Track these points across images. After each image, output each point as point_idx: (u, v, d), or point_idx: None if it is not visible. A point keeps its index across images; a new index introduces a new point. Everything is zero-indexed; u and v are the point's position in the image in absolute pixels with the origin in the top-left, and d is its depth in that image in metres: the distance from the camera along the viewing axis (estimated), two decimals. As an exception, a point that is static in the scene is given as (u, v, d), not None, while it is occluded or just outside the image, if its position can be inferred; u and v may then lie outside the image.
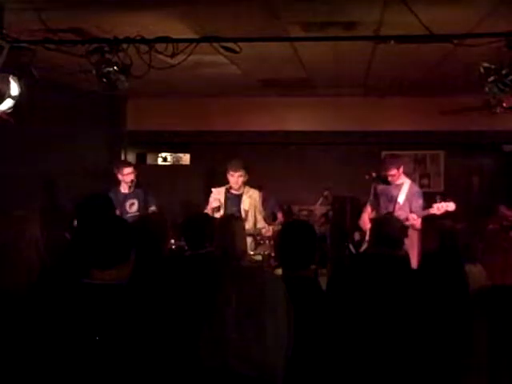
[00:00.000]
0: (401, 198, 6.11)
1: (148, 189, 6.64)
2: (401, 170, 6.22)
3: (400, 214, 5.85)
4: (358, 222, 6.53)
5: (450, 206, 5.80)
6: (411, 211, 6.03)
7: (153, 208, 6.31)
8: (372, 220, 5.94)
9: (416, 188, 6.30)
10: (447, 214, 5.79)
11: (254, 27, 4.59)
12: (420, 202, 6.09)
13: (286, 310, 1.61)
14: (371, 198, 6.47)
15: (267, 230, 5.98)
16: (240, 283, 1.62)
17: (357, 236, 6.43)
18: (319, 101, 8.75)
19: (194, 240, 3.64)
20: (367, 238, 6.12)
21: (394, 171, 6.17)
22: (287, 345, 1.59)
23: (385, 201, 6.26)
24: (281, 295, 1.62)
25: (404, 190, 6.16)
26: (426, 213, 5.91)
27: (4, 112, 4.13)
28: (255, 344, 1.52)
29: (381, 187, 6.36)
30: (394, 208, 6.07)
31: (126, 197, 6.38)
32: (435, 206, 5.85)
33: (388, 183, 6.27)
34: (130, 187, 6.40)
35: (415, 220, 5.87)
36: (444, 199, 5.91)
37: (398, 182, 6.22)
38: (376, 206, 6.36)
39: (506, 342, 2.33)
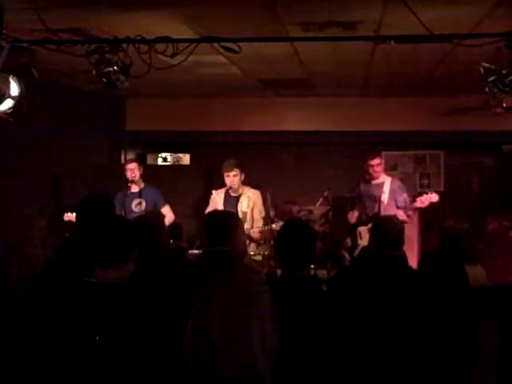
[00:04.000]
0: (384, 197, 6.06)
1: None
2: (382, 164, 6.20)
3: (386, 213, 5.83)
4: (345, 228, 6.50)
5: (434, 198, 5.77)
6: (398, 207, 6.00)
7: (165, 208, 6.26)
8: (366, 220, 5.95)
9: (397, 183, 6.27)
10: (432, 205, 5.78)
11: (254, 27, 4.60)
12: (404, 195, 6.07)
13: (271, 311, 1.60)
14: (358, 202, 6.44)
15: (254, 232, 5.92)
16: (223, 286, 1.60)
17: (348, 242, 6.37)
18: (319, 101, 8.74)
19: (214, 236, 3.58)
20: (359, 242, 6.11)
21: (377, 160, 6.12)
22: (273, 346, 1.58)
23: (369, 202, 6.21)
24: (266, 297, 1.61)
25: (386, 188, 6.11)
26: (411, 208, 5.89)
27: (4, 112, 4.12)
28: (241, 346, 1.51)
29: (362, 187, 6.33)
30: (380, 208, 6.03)
31: (132, 196, 6.35)
32: (418, 199, 5.81)
33: (369, 180, 6.22)
34: (132, 184, 6.36)
35: (403, 216, 5.85)
36: (427, 192, 5.91)
37: (379, 180, 6.18)
38: (361, 207, 6.32)
39: None
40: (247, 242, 5.84)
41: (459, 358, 2.52)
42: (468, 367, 2.43)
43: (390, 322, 3.05)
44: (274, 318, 1.60)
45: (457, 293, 2.91)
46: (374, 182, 6.21)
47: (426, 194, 5.85)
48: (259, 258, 5.57)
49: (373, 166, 6.12)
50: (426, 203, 5.76)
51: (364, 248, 5.49)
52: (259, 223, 6.01)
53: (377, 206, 6.08)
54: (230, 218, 3.78)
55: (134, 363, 2.16)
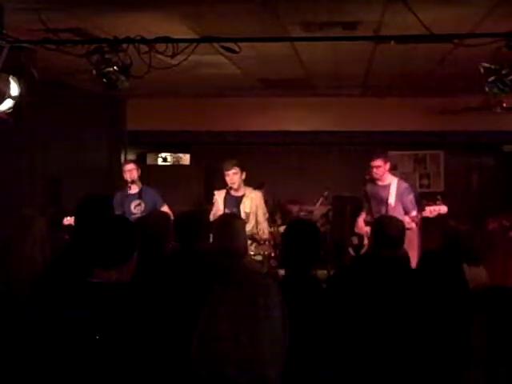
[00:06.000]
0: (391, 199, 6.00)
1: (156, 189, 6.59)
2: (387, 166, 6.07)
3: (394, 215, 5.79)
4: (353, 228, 6.46)
5: (442, 209, 5.71)
6: (404, 210, 5.97)
7: (164, 208, 6.24)
8: (372, 221, 5.91)
9: (404, 184, 6.17)
10: (440, 216, 5.75)
11: (254, 27, 4.60)
12: (411, 197, 5.99)
13: (281, 315, 1.58)
14: (364, 201, 6.39)
15: (263, 232, 5.94)
16: (234, 288, 1.59)
17: (355, 240, 6.34)
18: (319, 101, 8.75)
19: (186, 236, 3.60)
20: (365, 241, 6.09)
21: (379, 162, 6.01)
22: (283, 351, 1.56)
23: (376, 203, 6.12)
24: (276, 300, 1.60)
25: (392, 189, 6.03)
26: (419, 216, 5.85)
27: (4, 112, 4.12)
28: (251, 352, 1.50)
29: (369, 189, 6.22)
30: (387, 210, 5.95)
31: (131, 197, 6.33)
32: (428, 209, 5.73)
33: (374, 181, 6.18)
34: (131, 186, 6.35)
35: (409, 224, 5.80)
36: (436, 202, 5.84)
37: (386, 182, 6.08)
38: (369, 209, 6.25)
39: (505, 342, 2.34)
40: (250, 242, 5.86)
41: (450, 357, 2.52)
42: (459, 367, 2.44)
43: (389, 322, 3.05)
44: (285, 322, 1.59)
45: (452, 292, 2.91)
46: (381, 183, 6.13)
47: (436, 204, 5.78)
48: (259, 257, 5.56)
49: (373, 167, 6.06)
50: (434, 214, 5.71)
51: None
52: (263, 224, 6.01)
53: (384, 208, 6.03)
54: (234, 219, 3.79)
55: (134, 363, 2.16)
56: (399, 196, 6.00)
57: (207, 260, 3.48)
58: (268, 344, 1.51)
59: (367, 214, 6.28)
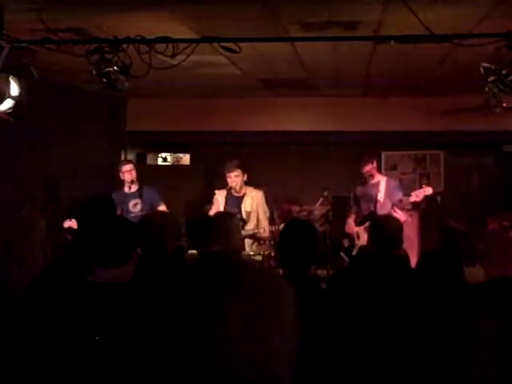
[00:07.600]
0: (380, 196, 6.11)
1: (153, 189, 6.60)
2: (374, 163, 6.22)
3: (382, 211, 5.86)
4: (344, 228, 6.52)
5: (427, 191, 5.82)
6: (393, 205, 6.02)
7: (162, 207, 6.26)
8: (370, 221, 5.93)
9: (393, 183, 6.33)
10: (426, 198, 5.86)
11: (254, 27, 4.60)
12: (400, 194, 6.09)
13: (294, 314, 1.57)
14: (352, 202, 6.46)
15: (264, 231, 5.95)
16: (246, 287, 1.59)
17: (346, 243, 6.40)
18: (319, 101, 8.74)
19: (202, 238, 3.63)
20: (356, 242, 6.14)
21: (368, 167, 6.17)
22: (295, 349, 1.55)
23: (365, 202, 6.24)
24: (289, 299, 1.59)
25: (382, 187, 6.16)
26: (406, 203, 5.92)
27: (4, 112, 4.12)
28: (260, 348, 1.49)
29: (359, 190, 6.36)
30: (376, 207, 6.06)
31: (130, 196, 6.35)
32: (413, 193, 5.87)
33: (366, 182, 6.27)
34: (130, 186, 6.37)
35: (399, 214, 5.85)
36: (421, 186, 5.96)
37: (374, 180, 6.22)
38: (357, 210, 6.35)
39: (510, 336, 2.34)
40: (251, 241, 5.87)
41: (457, 355, 2.52)
42: (467, 365, 2.44)
43: (387, 320, 3.05)
44: (297, 322, 1.58)
45: (453, 291, 2.91)
46: (370, 182, 6.26)
47: (421, 187, 5.90)
48: (259, 257, 5.56)
49: (364, 172, 6.20)
50: (421, 196, 5.82)
51: (362, 247, 5.49)
52: (264, 223, 6.01)
53: (373, 205, 6.11)
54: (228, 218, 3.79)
55: (134, 363, 2.16)
56: (388, 193, 6.10)
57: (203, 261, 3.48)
58: (280, 343, 1.50)
59: (356, 214, 6.37)
